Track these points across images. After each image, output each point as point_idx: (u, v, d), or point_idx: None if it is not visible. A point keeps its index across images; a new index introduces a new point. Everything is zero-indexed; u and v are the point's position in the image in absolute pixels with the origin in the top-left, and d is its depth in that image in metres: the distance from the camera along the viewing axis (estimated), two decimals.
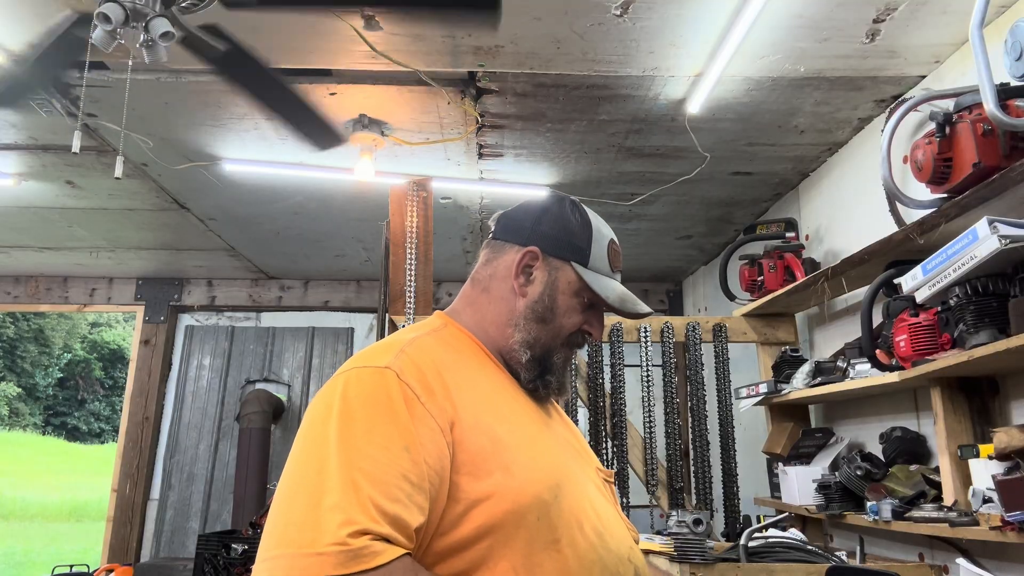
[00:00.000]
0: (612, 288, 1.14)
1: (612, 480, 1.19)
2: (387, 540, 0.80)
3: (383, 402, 0.90)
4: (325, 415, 0.90)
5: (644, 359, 3.49)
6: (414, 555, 0.85)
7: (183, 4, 2.01)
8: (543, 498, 0.93)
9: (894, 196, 2.62)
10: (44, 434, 22.07)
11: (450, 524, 0.89)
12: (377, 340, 3.66)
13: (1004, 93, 1.95)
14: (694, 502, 3.40)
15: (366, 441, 0.86)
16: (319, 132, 2.65)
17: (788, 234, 3.57)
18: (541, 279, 1.12)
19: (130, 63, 2.55)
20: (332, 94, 2.97)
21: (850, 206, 3.30)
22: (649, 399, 3.44)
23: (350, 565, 0.77)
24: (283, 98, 2.44)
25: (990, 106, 1.91)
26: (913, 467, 2.52)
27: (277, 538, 0.81)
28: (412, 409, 0.90)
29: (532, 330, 1.10)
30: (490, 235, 1.20)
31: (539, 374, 1.10)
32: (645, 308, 1.18)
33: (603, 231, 1.17)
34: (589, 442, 2.65)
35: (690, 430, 3.50)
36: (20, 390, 22.06)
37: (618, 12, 2.40)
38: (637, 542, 1.12)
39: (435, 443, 0.90)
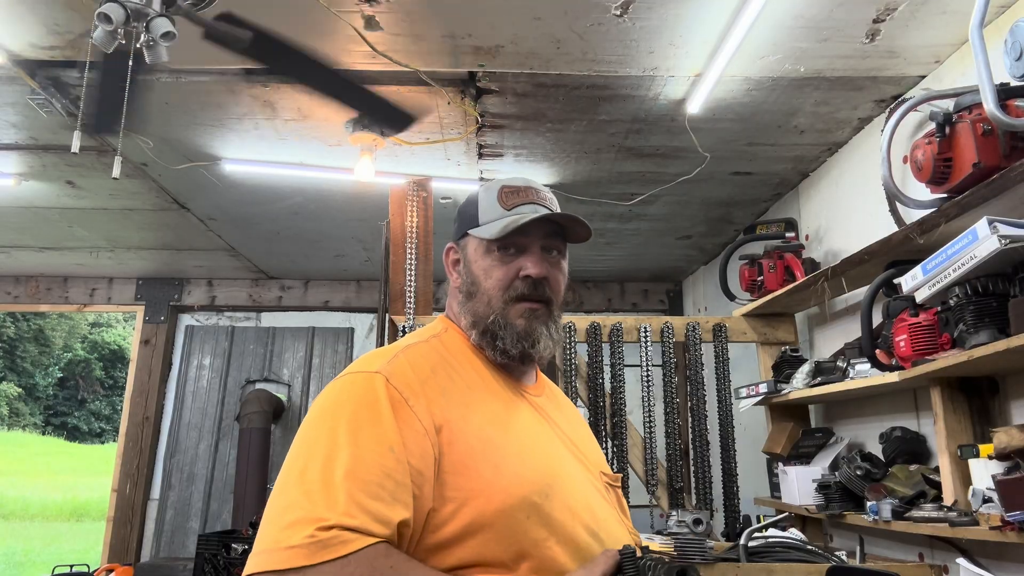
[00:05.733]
0: (501, 222, 1.11)
1: (618, 484, 1.20)
2: (360, 532, 0.84)
3: (370, 405, 0.95)
4: (317, 419, 0.97)
5: (644, 359, 3.49)
6: (401, 549, 0.89)
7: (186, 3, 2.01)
8: (532, 499, 0.96)
9: (894, 196, 2.62)
10: (44, 434, 22.08)
11: (440, 521, 0.92)
12: (377, 340, 3.69)
13: (1004, 93, 1.95)
14: (694, 502, 3.39)
15: (350, 442, 0.91)
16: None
17: (788, 234, 3.57)
18: (461, 264, 1.18)
19: (130, 63, 2.55)
20: None
21: (850, 206, 3.30)
22: (649, 399, 3.44)
23: (318, 555, 0.82)
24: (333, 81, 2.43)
25: (990, 106, 1.91)
26: (913, 467, 2.52)
27: (261, 536, 0.89)
28: (398, 412, 0.95)
29: (468, 309, 1.15)
30: None
31: (491, 343, 1.11)
32: (547, 209, 1.13)
33: (492, 186, 1.17)
34: None
35: (690, 430, 3.49)
36: (20, 390, 22.07)
37: (618, 12, 2.40)
38: (639, 546, 1.12)
39: (419, 444, 0.94)
